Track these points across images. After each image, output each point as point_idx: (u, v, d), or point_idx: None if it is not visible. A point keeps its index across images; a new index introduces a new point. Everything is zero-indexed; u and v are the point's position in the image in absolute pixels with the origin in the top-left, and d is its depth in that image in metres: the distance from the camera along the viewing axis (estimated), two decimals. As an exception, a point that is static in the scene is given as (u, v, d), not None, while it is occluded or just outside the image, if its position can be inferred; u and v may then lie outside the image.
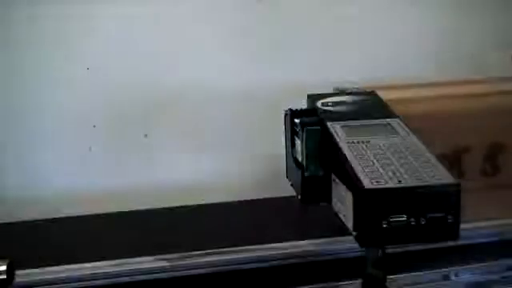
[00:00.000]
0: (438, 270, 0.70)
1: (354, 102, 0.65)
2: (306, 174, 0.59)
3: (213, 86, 0.91)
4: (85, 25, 0.90)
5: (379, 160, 0.53)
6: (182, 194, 0.94)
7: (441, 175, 0.50)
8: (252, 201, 0.89)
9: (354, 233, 0.51)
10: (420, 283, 0.69)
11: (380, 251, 0.57)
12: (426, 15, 0.99)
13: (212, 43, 0.94)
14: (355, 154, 0.54)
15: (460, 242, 0.63)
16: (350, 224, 0.52)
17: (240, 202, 0.88)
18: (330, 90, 0.75)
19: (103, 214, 0.85)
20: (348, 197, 0.52)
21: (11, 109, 0.90)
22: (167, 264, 0.68)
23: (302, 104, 0.66)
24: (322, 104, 0.64)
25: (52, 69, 0.90)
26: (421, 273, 0.69)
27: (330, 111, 0.63)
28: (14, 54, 0.89)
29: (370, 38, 0.98)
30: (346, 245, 0.68)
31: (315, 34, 0.96)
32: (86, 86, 0.91)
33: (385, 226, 0.48)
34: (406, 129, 0.58)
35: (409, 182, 0.49)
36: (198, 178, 0.95)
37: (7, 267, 0.56)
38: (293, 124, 0.63)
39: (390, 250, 0.58)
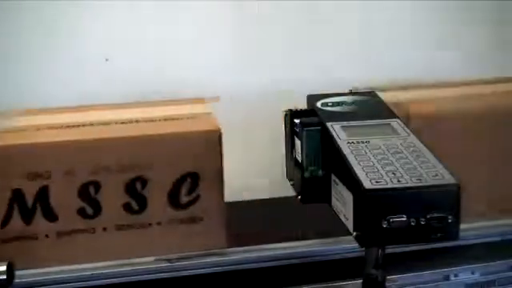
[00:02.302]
0: (438, 270, 0.70)
1: (353, 102, 0.65)
2: (306, 174, 0.59)
3: (213, 85, 0.91)
4: (84, 23, 0.90)
5: (379, 160, 0.53)
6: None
7: (441, 175, 0.50)
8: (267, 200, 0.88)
9: (355, 233, 0.51)
10: (420, 283, 0.69)
11: (380, 251, 0.57)
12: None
13: (212, 42, 0.94)
14: (355, 154, 0.54)
15: (460, 242, 0.63)
16: (350, 224, 0.52)
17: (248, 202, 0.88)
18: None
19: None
20: (348, 197, 0.52)
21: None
22: (167, 264, 0.68)
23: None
24: (322, 104, 0.64)
25: (52, 67, 0.90)
26: (421, 273, 0.69)
27: (330, 111, 0.63)
28: (15, 53, 0.89)
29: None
30: (346, 245, 0.68)
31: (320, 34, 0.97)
32: (86, 85, 0.91)
33: (385, 226, 0.48)
34: (406, 129, 0.58)
35: (409, 182, 0.49)
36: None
37: (7, 267, 0.56)
38: (293, 124, 0.63)
39: (389, 250, 0.58)
